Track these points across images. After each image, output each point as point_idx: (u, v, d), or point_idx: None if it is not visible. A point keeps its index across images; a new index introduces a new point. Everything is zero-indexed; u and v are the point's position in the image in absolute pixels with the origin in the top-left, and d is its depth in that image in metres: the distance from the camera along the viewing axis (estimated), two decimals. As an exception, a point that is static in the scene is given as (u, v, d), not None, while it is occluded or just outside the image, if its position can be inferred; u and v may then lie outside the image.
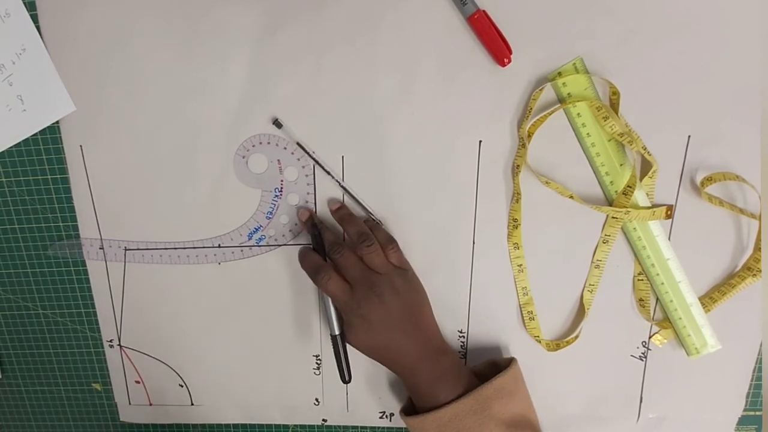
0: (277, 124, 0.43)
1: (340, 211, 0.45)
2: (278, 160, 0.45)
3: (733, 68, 0.40)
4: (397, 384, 0.51)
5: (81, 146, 0.46)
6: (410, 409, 0.45)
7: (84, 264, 0.49)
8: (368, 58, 0.42)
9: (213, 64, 0.43)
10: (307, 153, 0.43)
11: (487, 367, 0.46)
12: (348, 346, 0.44)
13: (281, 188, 0.45)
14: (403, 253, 0.45)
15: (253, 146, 0.44)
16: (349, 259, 0.43)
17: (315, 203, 0.46)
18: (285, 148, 0.44)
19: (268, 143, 0.44)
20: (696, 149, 0.42)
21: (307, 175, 0.45)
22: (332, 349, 0.45)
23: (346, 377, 0.45)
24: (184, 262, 0.48)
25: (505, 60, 0.40)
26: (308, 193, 0.46)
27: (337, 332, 0.44)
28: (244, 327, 0.50)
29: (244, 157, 0.45)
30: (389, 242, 0.44)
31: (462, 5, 0.39)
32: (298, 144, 0.43)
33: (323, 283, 0.42)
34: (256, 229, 0.47)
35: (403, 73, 0.42)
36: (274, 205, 0.46)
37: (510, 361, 0.44)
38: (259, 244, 0.47)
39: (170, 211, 0.47)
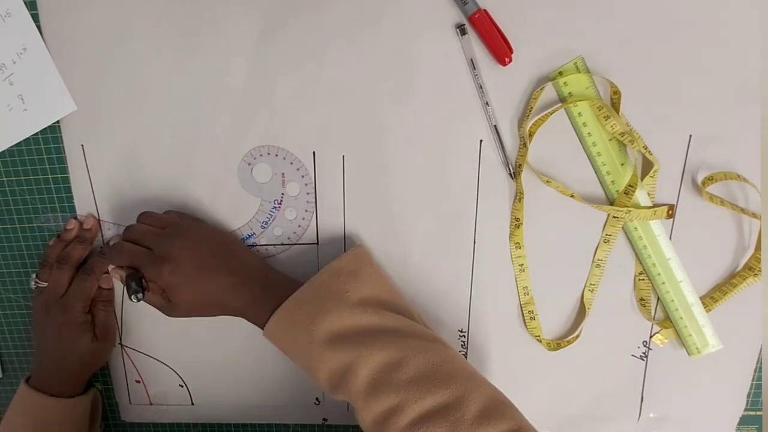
0: (461, 30, 0.40)
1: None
2: (282, 174, 0.45)
3: (733, 68, 0.40)
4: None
5: (82, 146, 0.45)
6: None
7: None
8: (368, 58, 0.42)
9: (213, 64, 0.43)
10: (475, 75, 0.40)
11: None
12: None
13: (281, 201, 0.45)
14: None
15: (261, 155, 0.44)
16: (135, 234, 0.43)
17: (316, 219, 0.46)
18: (291, 163, 0.44)
19: (276, 155, 0.44)
20: (697, 149, 0.42)
21: (308, 193, 0.45)
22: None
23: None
24: (184, 262, 0.48)
25: (506, 59, 0.40)
26: (306, 210, 0.46)
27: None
28: (244, 327, 0.50)
29: (249, 164, 0.45)
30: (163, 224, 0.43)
31: (463, 5, 0.39)
32: (471, 61, 0.40)
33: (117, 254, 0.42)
34: (249, 236, 0.47)
35: (403, 73, 0.42)
36: (271, 216, 0.46)
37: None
38: None
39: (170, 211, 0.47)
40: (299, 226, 0.46)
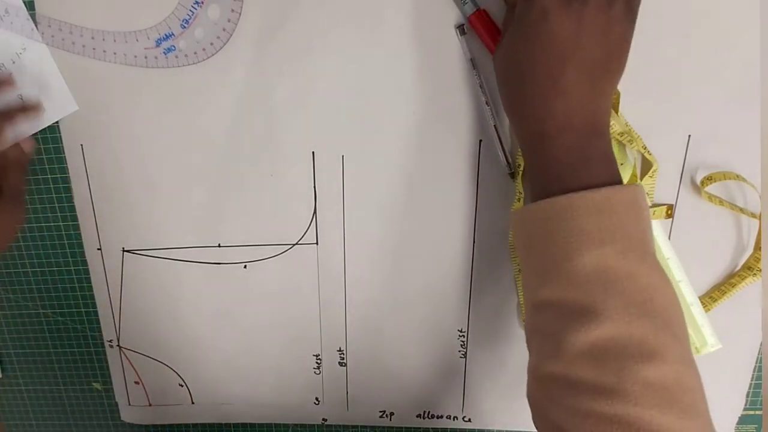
0: (461, 30, 0.40)
1: None
2: None
3: (733, 68, 0.40)
4: (397, 383, 0.51)
5: (81, 145, 0.46)
6: None
7: (84, 264, 0.49)
8: (368, 58, 0.42)
9: (213, 63, 0.43)
10: (475, 74, 0.40)
11: None
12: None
13: None
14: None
15: None
16: None
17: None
18: None
19: None
20: (696, 148, 0.42)
21: None
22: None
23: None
24: (183, 262, 0.48)
25: (506, 59, 0.40)
26: (233, 10, 0.40)
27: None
28: (244, 326, 0.50)
29: None
30: None
31: (462, 4, 0.39)
32: (471, 60, 0.40)
33: None
34: (167, 37, 0.41)
35: (403, 72, 0.42)
36: (192, 13, 0.40)
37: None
38: (167, 55, 0.42)
39: (170, 211, 0.47)
40: (224, 29, 0.40)
